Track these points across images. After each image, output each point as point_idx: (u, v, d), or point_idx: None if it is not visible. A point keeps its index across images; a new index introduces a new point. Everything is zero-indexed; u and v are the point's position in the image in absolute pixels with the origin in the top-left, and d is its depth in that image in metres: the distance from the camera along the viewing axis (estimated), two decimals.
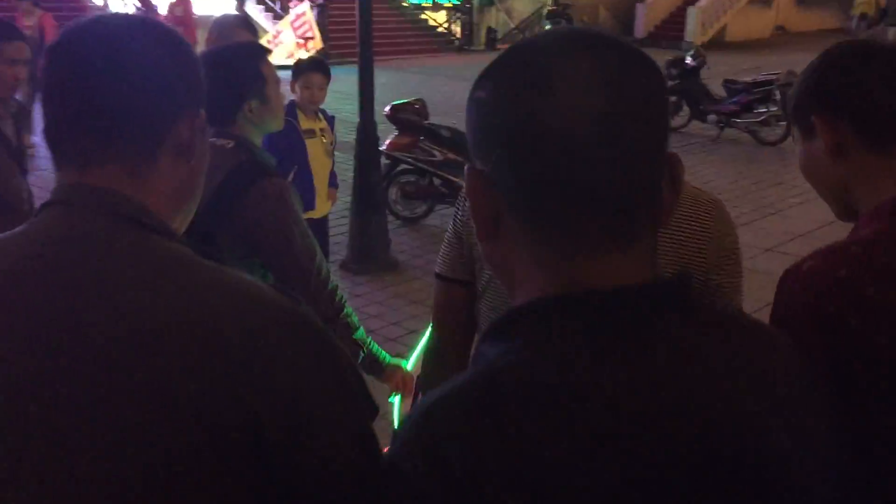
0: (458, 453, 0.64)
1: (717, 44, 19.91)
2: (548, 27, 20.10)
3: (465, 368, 1.77)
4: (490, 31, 20.80)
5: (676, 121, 10.69)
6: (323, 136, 4.48)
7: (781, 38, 23.36)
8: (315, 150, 4.38)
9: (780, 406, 0.70)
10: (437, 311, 1.80)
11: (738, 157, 9.55)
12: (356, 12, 5.57)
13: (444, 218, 6.82)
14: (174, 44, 0.96)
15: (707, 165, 9.13)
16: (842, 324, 1.02)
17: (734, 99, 10.15)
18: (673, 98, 10.65)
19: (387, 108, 6.71)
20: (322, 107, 4.54)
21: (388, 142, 6.64)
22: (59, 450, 0.75)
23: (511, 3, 21.79)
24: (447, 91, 13.68)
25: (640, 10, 21.90)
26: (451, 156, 6.71)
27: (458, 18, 21.14)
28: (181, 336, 0.77)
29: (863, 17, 21.09)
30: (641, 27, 21.84)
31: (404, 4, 20.64)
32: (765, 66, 16.74)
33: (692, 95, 10.55)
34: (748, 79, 10.29)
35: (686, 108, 10.68)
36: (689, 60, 10.61)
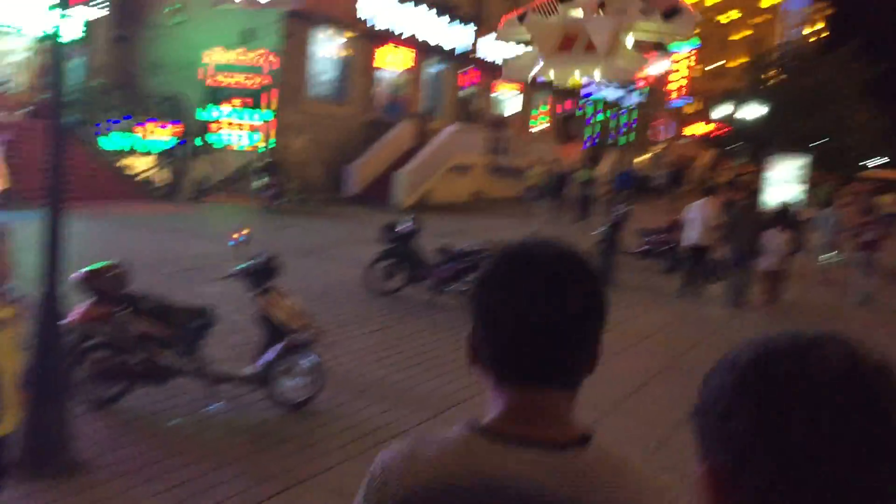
0: None
1: (423, 206, 20.97)
2: (256, 183, 19.80)
3: None
4: (198, 181, 20.11)
5: (393, 284, 10.74)
6: (13, 324, 3.35)
7: (479, 202, 25.41)
8: (2, 346, 3.23)
9: None
10: None
11: (454, 322, 9.60)
12: (47, 152, 4.83)
13: (138, 399, 5.92)
14: None
15: (423, 330, 9.14)
16: None
17: (446, 266, 10.42)
18: (390, 262, 10.75)
19: (80, 273, 5.83)
20: None
21: (79, 311, 5.71)
22: None
23: (220, 154, 21.36)
24: (152, 244, 12.69)
25: (349, 170, 22.58)
26: (152, 331, 5.94)
27: (168, 165, 20.20)
28: None
29: (532, 187, 23.58)
30: (352, 186, 22.46)
31: (101, 150, 19.25)
32: (467, 228, 17.88)
33: (408, 260, 10.69)
34: (458, 248, 10.68)
35: (402, 273, 10.76)
36: (403, 227, 10.81)
